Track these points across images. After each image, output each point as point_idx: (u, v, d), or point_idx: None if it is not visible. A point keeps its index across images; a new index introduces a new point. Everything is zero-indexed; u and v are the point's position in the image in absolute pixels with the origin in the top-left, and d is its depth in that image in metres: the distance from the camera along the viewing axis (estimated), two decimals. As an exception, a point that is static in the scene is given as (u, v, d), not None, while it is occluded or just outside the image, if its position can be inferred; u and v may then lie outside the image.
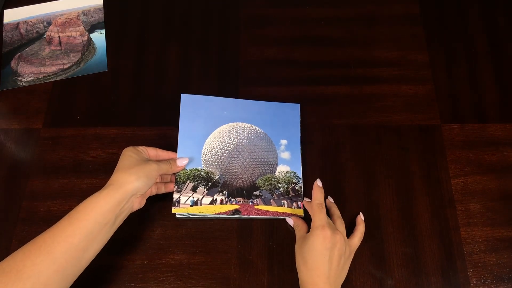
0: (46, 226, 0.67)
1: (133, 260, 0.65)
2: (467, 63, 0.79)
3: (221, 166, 0.70)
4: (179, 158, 0.67)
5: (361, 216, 0.65)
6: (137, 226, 0.67)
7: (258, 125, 0.73)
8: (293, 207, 0.67)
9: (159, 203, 0.68)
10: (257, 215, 0.67)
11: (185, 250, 0.66)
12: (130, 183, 0.57)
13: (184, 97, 0.72)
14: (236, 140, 0.71)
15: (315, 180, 0.66)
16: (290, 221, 0.66)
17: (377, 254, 0.65)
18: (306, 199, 0.67)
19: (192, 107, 0.72)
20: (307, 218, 0.66)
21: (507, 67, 0.78)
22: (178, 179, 0.68)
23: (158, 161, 0.63)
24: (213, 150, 0.70)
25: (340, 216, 0.64)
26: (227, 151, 0.71)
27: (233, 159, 0.70)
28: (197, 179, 0.69)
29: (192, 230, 0.67)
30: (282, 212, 0.67)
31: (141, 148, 0.63)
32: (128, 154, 0.60)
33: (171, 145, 0.70)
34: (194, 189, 0.68)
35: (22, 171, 0.72)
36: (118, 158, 0.61)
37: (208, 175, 0.69)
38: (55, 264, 0.50)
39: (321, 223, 0.59)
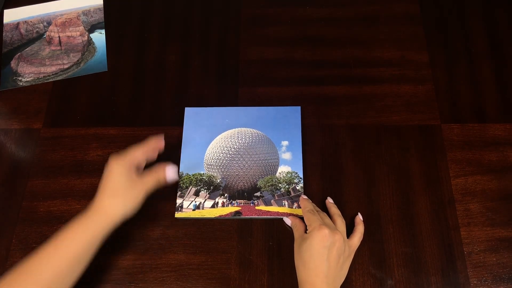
0: (46, 226, 0.67)
1: (133, 260, 0.65)
2: (467, 63, 0.79)
3: (222, 170, 0.70)
4: (167, 168, 0.60)
5: (359, 216, 0.65)
6: (137, 226, 0.67)
7: (260, 129, 0.73)
8: (294, 207, 0.67)
9: (159, 203, 0.68)
10: (258, 216, 0.67)
11: (185, 250, 0.66)
12: (117, 211, 0.56)
13: (188, 110, 0.74)
14: (237, 144, 0.72)
15: (307, 190, 0.67)
16: (288, 220, 0.66)
17: (377, 254, 0.65)
18: (290, 217, 0.66)
19: (195, 118, 0.74)
20: (307, 218, 0.66)
21: (507, 67, 0.78)
22: (181, 184, 0.69)
23: (145, 175, 0.59)
24: (215, 155, 0.71)
25: (341, 215, 0.64)
26: (228, 155, 0.71)
27: (234, 162, 0.71)
28: (199, 183, 0.69)
29: (192, 230, 0.67)
30: (283, 212, 0.67)
31: (127, 159, 0.57)
32: (116, 173, 0.56)
33: (171, 144, 0.70)
34: (197, 194, 0.69)
35: (22, 171, 0.72)
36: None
37: (210, 179, 0.70)
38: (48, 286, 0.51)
39: (317, 223, 0.58)
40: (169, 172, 0.60)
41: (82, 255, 0.54)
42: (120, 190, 0.56)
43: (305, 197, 0.66)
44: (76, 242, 0.54)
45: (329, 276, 0.56)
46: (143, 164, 0.61)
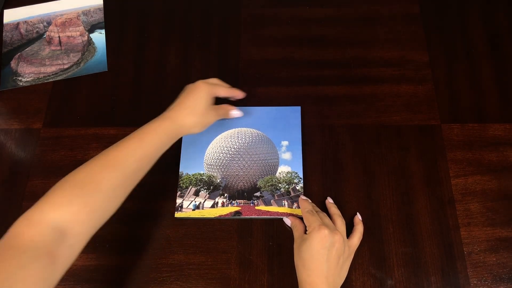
0: (46, 226, 0.67)
1: (133, 260, 0.65)
2: (467, 63, 0.79)
3: (222, 170, 0.70)
4: (234, 110, 0.69)
5: (358, 216, 0.66)
6: (137, 226, 0.67)
7: (260, 129, 0.73)
8: (293, 207, 0.67)
9: (159, 203, 0.69)
10: (258, 216, 0.67)
11: (185, 250, 0.66)
12: (189, 128, 0.62)
13: None
14: (237, 144, 0.72)
15: (307, 190, 0.68)
16: (288, 220, 0.66)
17: (377, 254, 0.65)
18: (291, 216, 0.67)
19: None
20: (307, 218, 0.66)
21: (507, 67, 0.78)
22: (181, 184, 0.69)
23: (218, 108, 0.66)
24: (215, 155, 0.71)
25: (340, 215, 0.64)
26: (228, 155, 0.71)
27: (234, 162, 0.71)
28: (199, 183, 0.69)
29: (192, 230, 0.67)
30: (283, 212, 0.67)
31: (215, 90, 0.65)
32: (201, 97, 0.63)
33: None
34: (197, 194, 0.69)
35: (22, 171, 0.72)
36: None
37: (210, 179, 0.70)
38: (124, 180, 0.54)
39: (317, 224, 0.59)
40: (236, 112, 0.70)
41: (156, 153, 0.58)
42: (198, 110, 0.62)
43: (304, 197, 0.66)
44: (157, 139, 0.58)
45: (329, 276, 0.56)
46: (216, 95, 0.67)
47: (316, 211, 0.63)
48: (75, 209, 0.49)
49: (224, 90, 0.67)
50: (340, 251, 0.58)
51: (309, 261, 0.57)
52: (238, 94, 0.69)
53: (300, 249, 0.58)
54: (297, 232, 0.62)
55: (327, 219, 0.62)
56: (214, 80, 0.67)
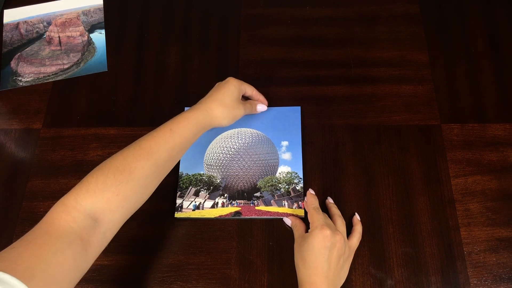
0: (46, 226, 0.67)
1: (132, 260, 0.65)
2: (467, 63, 0.79)
3: (222, 170, 0.70)
4: (259, 104, 0.72)
5: (357, 217, 0.66)
6: (137, 226, 0.67)
7: (260, 129, 0.73)
8: (293, 207, 0.67)
9: (159, 204, 0.68)
10: (258, 216, 0.67)
11: (185, 250, 0.66)
12: (219, 119, 0.64)
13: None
14: (237, 144, 0.72)
15: (310, 188, 0.67)
16: (288, 220, 0.66)
17: (377, 254, 0.65)
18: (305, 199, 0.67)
19: None
20: (307, 218, 0.66)
21: (507, 67, 0.78)
22: (181, 184, 0.69)
23: (245, 102, 0.69)
24: (215, 155, 0.71)
25: (341, 215, 0.64)
26: (228, 155, 0.71)
27: (234, 162, 0.71)
28: (199, 183, 0.69)
29: (192, 230, 0.67)
30: (283, 213, 0.67)
31: (243, 86, 0.68)
32: (232, 90, 0.65)
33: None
34: (197, 194, 0.69)
35: (22, 171, 0.72)
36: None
37: (210, 179, 0.70)
38: (157, 169, 0.55)
39: (320, 223, 0.59)
40: (260, 107, 0.72)
41: (187, 143, 0.59)
42: (228, 103, 0.64)
43: (312, 192, 0.66)
44: (188, 130, 0.59)
45: (329, 276, 0.56)
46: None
47: None
48: (108, 196, 0.50)
49: (252, 90, 0.70)
50: (341, 251, 0.58)
51: (310, 260, 0.57)
52: (263, 99, 0.73)
53: (301, 248, 0.58)
54: (297, 232, 0.62)
55: (328, 220, 0.62)
56: (244, 82, 0.70)
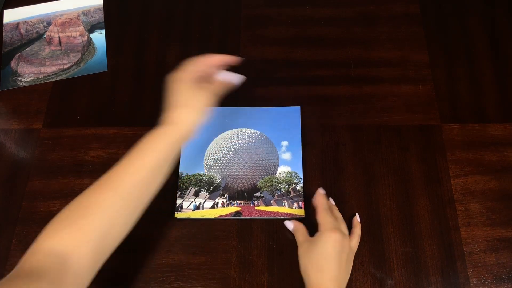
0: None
1: (133, 260, 0.65)
2: (467, 63, 0.79)
3: (222, 170, 0.70)
4: (223, 72, 0.62)
5: (357, 218, 0.65)
6: (137, 226, 0.67)
7: (259, 129, 0.73)
8: (294, 207, 0.67)
9: (159, 203, 0.68)
10: (258, 216, 0.67)
11: (185, 250, 0.66)
12: (190, 119, 0.57)
13: None
14: (237, 144, 0.72)
15: (318, 188, 0.65)
16: (290, 225, 0.64)
17: (377, 254, 0.65)
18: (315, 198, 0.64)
19: None
20: (308, 219, 0.66)
21: (507, 67, 0.78)
22: (181, 185, 0.69)
23: (212, 82, 0.60)
24: (214, 155, 0.71)
25: (342, 218, 0.63)
26: (228, 155, 0.71)
27: (234, 162, 0.71)
28: (199, 184, 0.69)
29: (192, 230, 0.67)
30: (283, 213, 0.67)
31: (185, 75, 0.58)
32: (177, 88, 0.57)
33: (171, 145, 0.70)
34: (196, 194, 0.69)
35: (22, 171, 0.72)
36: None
37: (210, 180, 0.70)
38: (122, 200, 0.52)
39: (331, 226, 0.58)
40: (234, 77, 0.63)
41: (161, 164, 0.55)
42: (188, 101, 0.57)
43: (322, 192, 0.63)
44: (156, 151, 0.54)
45: (340, 279, 0.56)
46: (210, 73, 0.61)
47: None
48: (72, 232, 0.49)
49: (198, 66, 0.59)
50: (349, 255, 0.58)
51: (323, 264, 0.56)
52: (229, 59, 0.61)
53: (310, 252, 0.57)
54: (301, 237, 0.61)
55: (337, 223, 0.60)
56: (189, 62, 0.59)
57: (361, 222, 0.65)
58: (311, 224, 0.62)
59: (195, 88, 0.57)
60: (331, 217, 0.60)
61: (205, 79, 0.60)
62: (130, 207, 0.53)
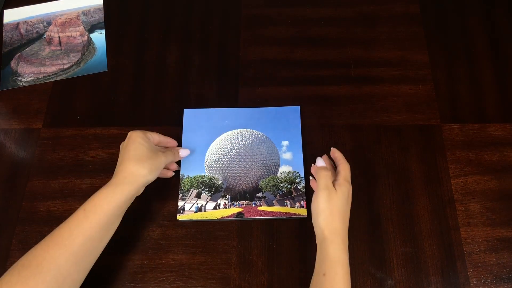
0: (46, 226, 0.67)
1: (133, 260, 0.65)
2: (467, 63, 0.79)
3: (223, 171, 0.70)
4: (181, 149, 0.68)
5: (335, 151, 0.65)
6: (137, 226, 0.67)
7: (260, 129, 0.73)
8: (296, 207, 0.67)
9: (159, 203, 0.69)
10: (260, 217, 0.67)
11: (185, 250, 0.66)
12: (143, 177, 0.58)
13: (186, 112, 0.74)
14: (238, 145, 0.72)
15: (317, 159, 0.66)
16: (321, 162, 0.65)
17: (377, 254, 0.65)
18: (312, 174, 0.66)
19: (195, 120, 0.74)
20: (310, 219, 0.66)
21: (507, 67, 0.78)
22: (183, 187, 0.69)
23: (163, 151, 0.64)
24: (215, 157, 0.71)
25: (344, 159, 0.64)
26: (229, 156, 0.71)
27: (235, 163, 0.71)
28: (200, 185, 0.69)
29: (192, 230, 0.67)
30: (285, 212, 0.67)
31: (148, 134, 0.62)
32: (139, 142, 0.60)
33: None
34: (198, 196, 0.69)
35: (22, 171, 0.72)
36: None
37: (211, 181, 0.70)
38: (73, 257, 0.52)
39: (348, 179, 0.62)
40: (183, 151, 0.68)
41: (111, 220, 0.56)
42: (144, 157, 0.59)
43: (322, 164, 0.65)
44: (106, 208, 0.55)
45: (347, 222, 0.60)
46: (165, 143, 0.67)
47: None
48: None
49: (158, 136, 0.65)
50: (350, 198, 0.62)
51: (342, 210, 0.59)
52: (172, 142, 0.68)
53: (332, 199, 0.59)
54: (325, 181, 0.61)
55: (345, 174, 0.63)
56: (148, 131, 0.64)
57: (361, 222, 0.65)
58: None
59: (152, 148, 0.61)
60: (334, 174, 0.63)
61: (159, 147, 0.65)
62: (81, 263, 0.54)
